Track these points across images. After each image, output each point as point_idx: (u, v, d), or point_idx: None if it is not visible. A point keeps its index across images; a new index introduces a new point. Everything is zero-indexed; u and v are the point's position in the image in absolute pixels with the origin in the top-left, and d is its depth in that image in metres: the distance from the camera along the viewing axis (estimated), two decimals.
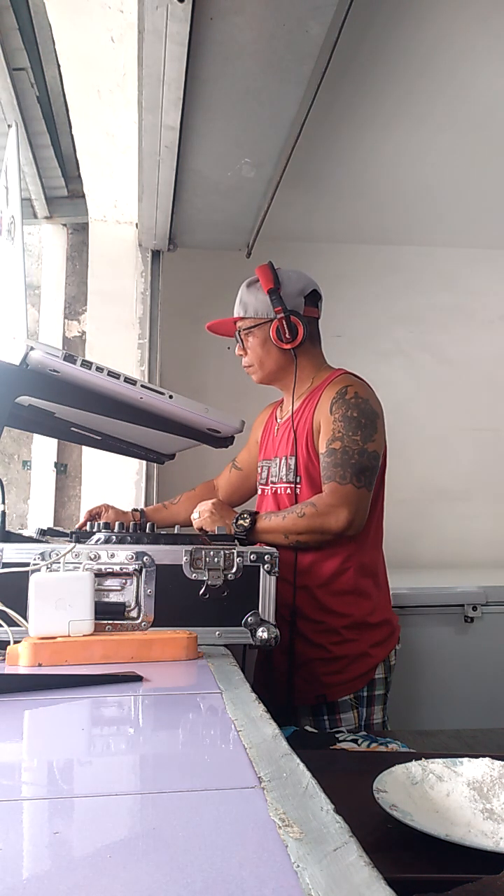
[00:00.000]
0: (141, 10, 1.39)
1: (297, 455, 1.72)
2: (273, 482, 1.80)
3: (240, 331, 1.81)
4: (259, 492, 1.89)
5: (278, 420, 1.88)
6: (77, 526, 2.04)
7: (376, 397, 1.73)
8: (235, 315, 1.82)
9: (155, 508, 2.13)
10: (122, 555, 1.27)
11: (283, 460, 1.77)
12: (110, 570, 1.26)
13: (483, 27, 1.89)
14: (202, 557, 1.30)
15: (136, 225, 2.62)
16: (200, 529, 1.68)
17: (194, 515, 1.72)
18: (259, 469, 1.90)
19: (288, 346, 1.74)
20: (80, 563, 1.24)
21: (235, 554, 1.32)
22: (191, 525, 1.75)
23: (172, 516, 2.04)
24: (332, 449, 1.63)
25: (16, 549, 1.23)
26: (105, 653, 1.10)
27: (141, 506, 2.57)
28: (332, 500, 1.60)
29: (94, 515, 2.00)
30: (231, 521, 1.63)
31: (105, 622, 1.22)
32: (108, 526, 1.42)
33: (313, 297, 1.79)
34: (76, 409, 1.49)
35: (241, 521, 1.62)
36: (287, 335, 1.73)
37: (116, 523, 1.41)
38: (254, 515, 1.63)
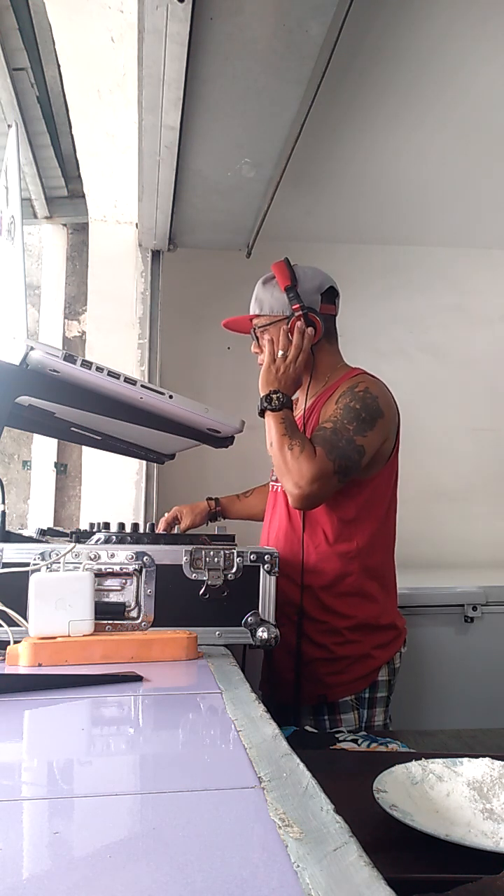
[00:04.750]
0: (141, 10, 1.39)
1: None
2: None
3: (255, 328, 1.77)
4: (270, 488, 1.89)
5: None
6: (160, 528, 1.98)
7: (389, 399, 1.67)
8: (251, 312, 1.78)
9: (230, 500, 2.12)
10: (122, 555, 1.27)
11: None
12: (110, 570, 1.26)
13: (482, 29, 1.89)
14: (202, 557, 1.30)
15: (136, 225, 2.62)
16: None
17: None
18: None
19: None
20: (80, 563, 1.24)
21: (235, 554, 1.32)
22: (262, 520, 1.84)
23: (247, 508, 2.06)
24: (324, 427, 1.60)
25: (16, 549, 1.23)
26: (105, 653, 1.10)
27: (141, 506, 2.58)
28: (314, 468, 1.53)
29: (170, 524, 2.00)
30: (275, 394, 1.63)
31: (105, 622, 1.22)
32: (107, 526, 1.42)
33: (330, 294, 1.76)
34: (76, 409, 1.48)
35: (274, 397, 1.62)
36: None
37: (116, 523, 1.41)
38: (285, 399, 1.63)
